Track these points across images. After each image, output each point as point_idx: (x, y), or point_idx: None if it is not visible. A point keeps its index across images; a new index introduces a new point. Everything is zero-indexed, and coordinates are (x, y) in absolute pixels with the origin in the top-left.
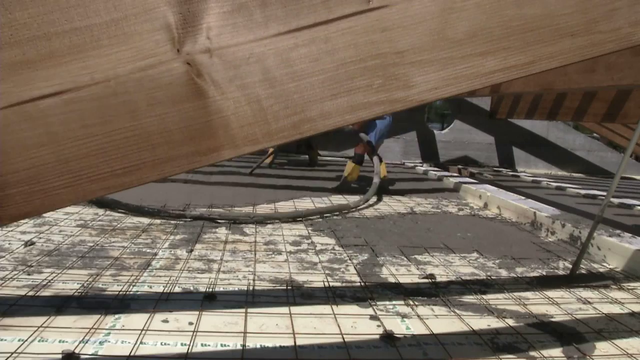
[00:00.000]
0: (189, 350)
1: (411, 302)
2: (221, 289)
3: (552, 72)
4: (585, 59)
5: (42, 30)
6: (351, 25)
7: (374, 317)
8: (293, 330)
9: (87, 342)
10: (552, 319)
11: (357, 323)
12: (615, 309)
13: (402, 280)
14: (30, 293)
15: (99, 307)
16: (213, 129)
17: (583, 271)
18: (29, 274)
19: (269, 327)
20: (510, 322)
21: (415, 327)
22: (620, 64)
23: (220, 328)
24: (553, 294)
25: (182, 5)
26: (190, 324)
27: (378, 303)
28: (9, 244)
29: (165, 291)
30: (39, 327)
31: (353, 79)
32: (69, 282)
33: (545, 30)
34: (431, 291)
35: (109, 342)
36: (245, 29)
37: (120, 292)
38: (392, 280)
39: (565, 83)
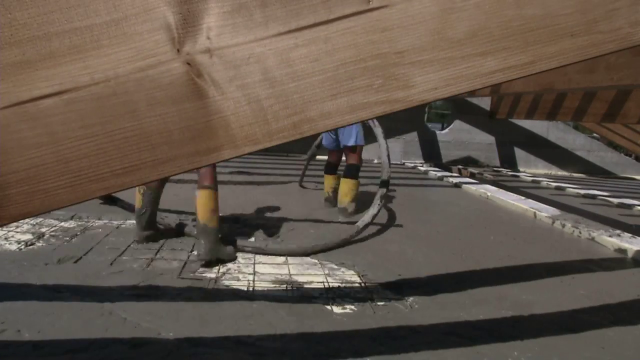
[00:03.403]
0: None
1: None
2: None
3: (552, 72)
4: (585, 59)
5: (42, 30)
6: (351, 26)
7: None
8: None
9: None
10: None
11: None
12: None
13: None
14: None
15: None
16: (213, 129)
17: None
18: None
19: None
20: None
21: None
22: (620, 64)
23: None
24: None
25: (182, 5)
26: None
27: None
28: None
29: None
30: None
31: (353, 79)
32: None
33: (545, 30)
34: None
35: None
36: (245, 29)
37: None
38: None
39: (565, 83)
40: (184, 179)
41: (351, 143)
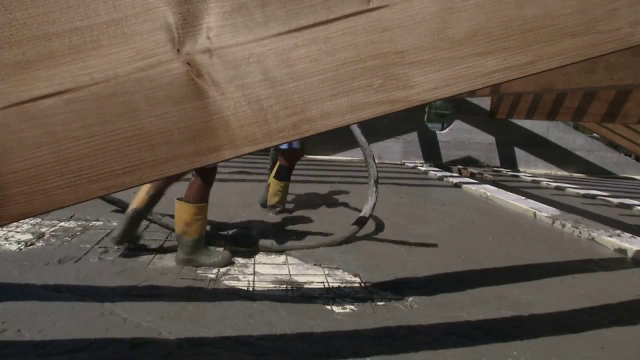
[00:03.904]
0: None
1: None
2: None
3: (552, 72)
4: (585, 59)
5: (42, 30)
6: (351, 26)
7: None
8: None
9: None
10: None
11: None
12: None
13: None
14: None
15: None
16: (213, 129)
17: None
18: None
19: None
20: None
21: None
22: (620, 64)
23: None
24: None
25: (182, 5)
26: None
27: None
28: None
29: None
30: None
31: (353, 79)
32: None
33: (545, 30)
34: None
35: None
36: (245, 29)
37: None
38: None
39: (565, 83)
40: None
41: (284, 147)
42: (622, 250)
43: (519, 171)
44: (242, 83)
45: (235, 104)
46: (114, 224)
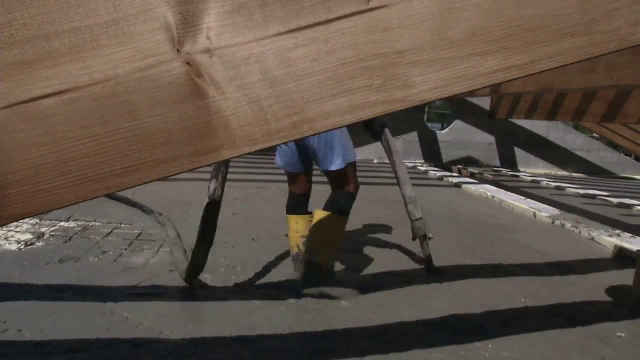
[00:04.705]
0: None
1: None
2: None
3: (552, 72)
4: (585, 59)
5: (42, 30)
6: (351, 26)
7: None
8: None
9: None
10: None
11: None
12: None
13: None
14: None
15: None
16: (213, 129)
17: None
18: None
19: None
20: None
21: None
22: (620, 64)
23: None
24: None
25: (182, 5)
26: None
27: None
28: None
29: None
30: None
31: (353, 79)
32: None
33: (545, 30)
34: None
35: None
36: (245, 29)
37: None
38: None
39: (565, 83)
40: (177, 178)
41: (336, 167)
42: (622, 250)
43: (519, 171)
44: (242, 83)
45: (235, 104)
46: (114, 224)
